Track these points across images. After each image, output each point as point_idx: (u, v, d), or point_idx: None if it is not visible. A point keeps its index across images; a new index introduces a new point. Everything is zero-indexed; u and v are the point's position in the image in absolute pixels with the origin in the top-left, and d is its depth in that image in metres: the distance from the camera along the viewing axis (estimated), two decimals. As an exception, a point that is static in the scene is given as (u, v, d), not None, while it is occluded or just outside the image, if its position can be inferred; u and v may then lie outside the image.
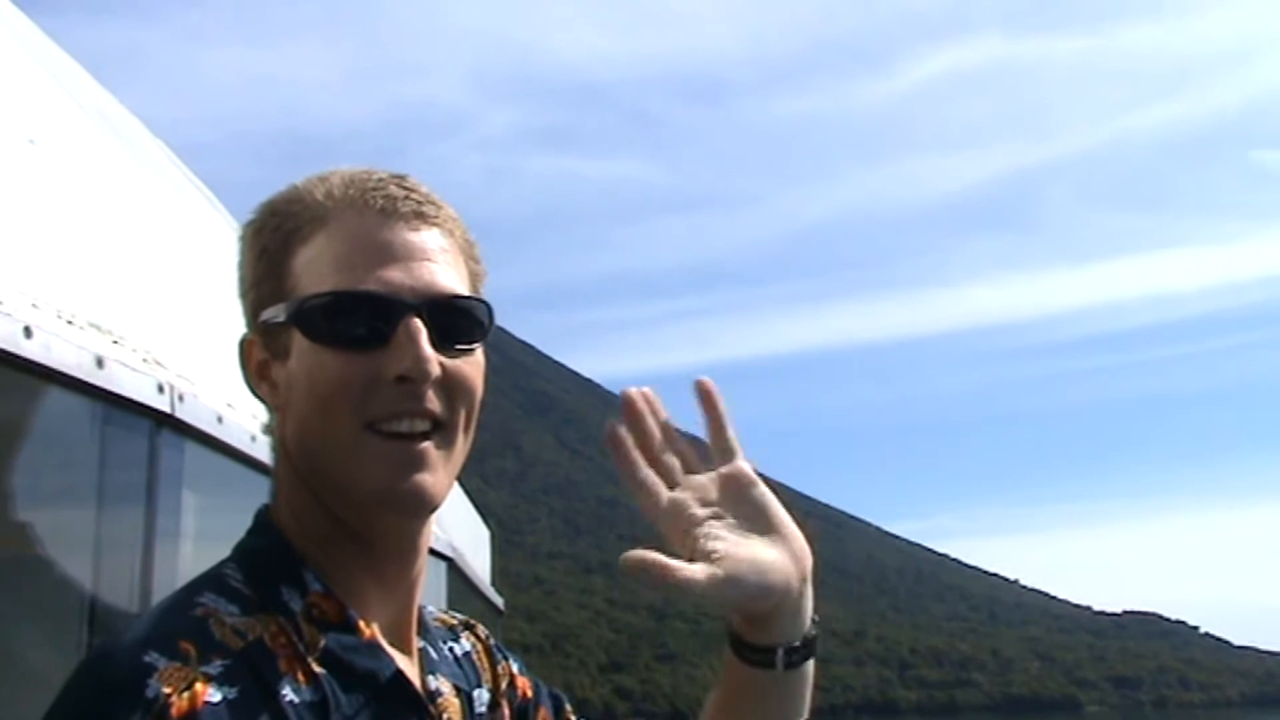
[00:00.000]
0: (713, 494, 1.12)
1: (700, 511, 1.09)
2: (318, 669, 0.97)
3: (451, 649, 1.22)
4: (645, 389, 1.12)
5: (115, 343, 1.99)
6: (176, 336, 2.29)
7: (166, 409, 2.11)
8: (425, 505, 1.03)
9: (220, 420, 2.31)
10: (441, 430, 1.03)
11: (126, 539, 2.08)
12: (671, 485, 1.12)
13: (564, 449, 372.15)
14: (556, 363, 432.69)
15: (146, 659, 0.90)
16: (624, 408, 1.13)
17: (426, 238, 1.03)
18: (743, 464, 1.13)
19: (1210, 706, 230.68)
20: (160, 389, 2.09)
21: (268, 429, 1.10)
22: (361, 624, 1.02)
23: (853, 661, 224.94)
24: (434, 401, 1.02)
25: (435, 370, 1.01)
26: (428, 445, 1.02)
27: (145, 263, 2.31)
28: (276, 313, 1.03)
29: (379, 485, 1.00)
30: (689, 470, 1.14)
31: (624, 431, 1.12)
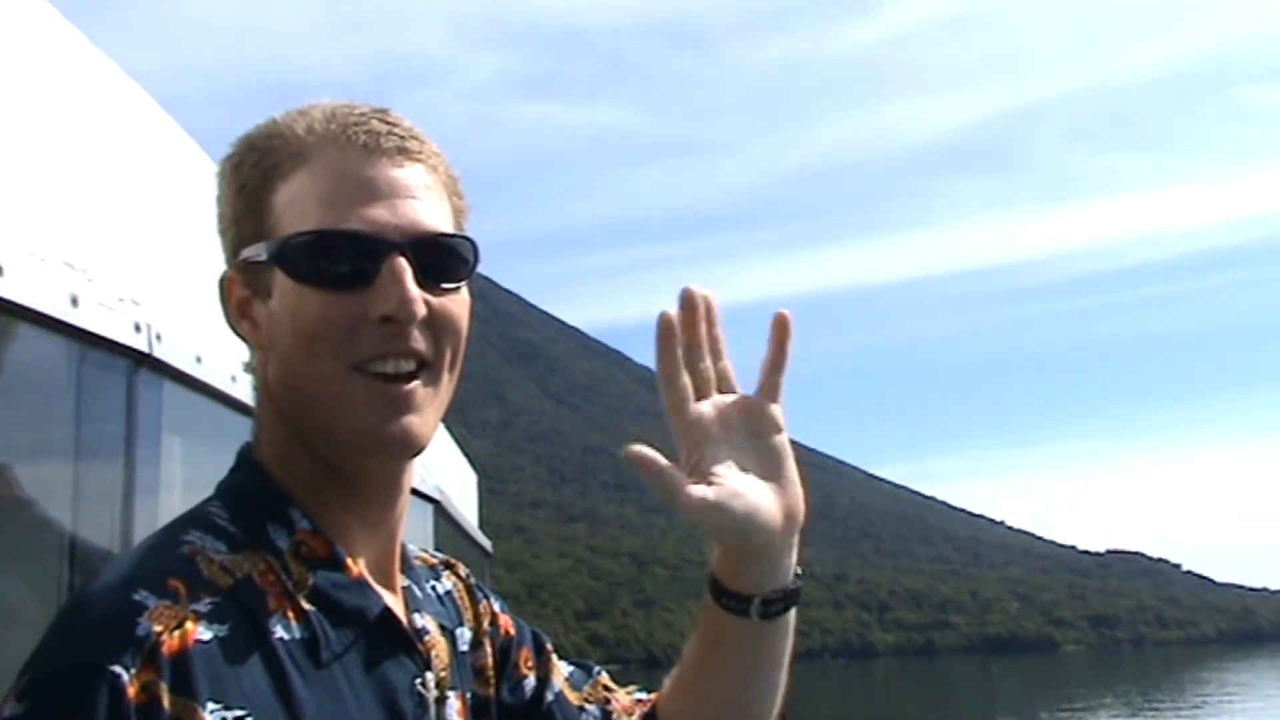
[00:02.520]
0: (736, 421, 1.12)
1: (717, 432, 1.10)
2: (307, 606, 0.97)
3: (434, 587, 1.21)
4: (708, 293, 1.12)
5: (90, 281, 1.95)
6: (153, 275, 2.25)
7: (144, 348, 2.06)
8: (411, 447, 1.02)
9: (199, 360, 2.27)
10: (428, 370, 1.02)
11: (105, 481, 2.05)
12: (701, 398, 1.12)
13: (548, 397, 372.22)
14: (541, 311, 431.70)
15: (136, 597, 0.89)
16: (682, 304, 1.12)
17: (410, 174, 1.02)
18: (776, 408, 1.13)
19: (1187, 644, 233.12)
20: (137, 328, 2.04)
21: (249, 367, 1.08)
22: (349, 561, 1.02)
23: (832, 605, 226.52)
24: (420, 341, 1.00)
25: (421, 310, 1.00)
26: (414, 386, 1.01)
27: (120, 201, 2.27)
28: (257, 251, 1.01)
29: (365, 427, 0.99)
30: (724, 391, 1.14)
31: (676, 325, 1.11)
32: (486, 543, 8.56)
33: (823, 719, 36.73)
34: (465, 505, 7.40)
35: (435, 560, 1.29)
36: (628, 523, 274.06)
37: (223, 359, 2.32)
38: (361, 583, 1.02)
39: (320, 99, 1.05)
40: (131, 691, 0.85)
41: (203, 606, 0.90)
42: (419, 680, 1.03)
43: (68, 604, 0.95)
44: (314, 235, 0.98)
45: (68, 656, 0.87)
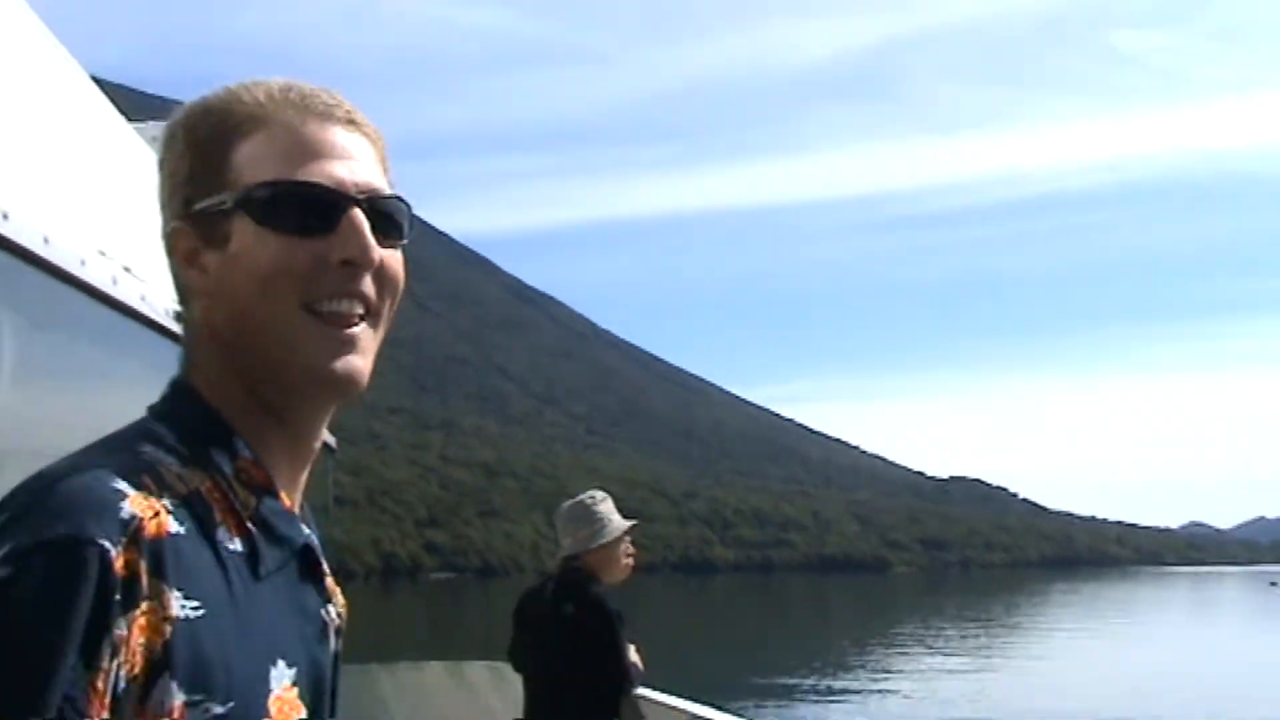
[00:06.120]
0: None
1: None
2: (249, 526, 1.02)
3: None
4: None
5: None
6: (3, 156, 2.31)
7: None
8: (356, 386, 1.07)
9: (47, 240, 2.27)
10: (370, 317, 1.08)
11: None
12: None
13: (413, 303, 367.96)
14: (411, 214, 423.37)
15: (115, 485, 0.93)
16: None
17: (359, 142, 1.10)
18: None
19: (1011, 567, 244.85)
20: None
21: (183, 316, 1.13)
22: (283, 494, 1.08)
23: (677, 521, 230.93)
24: (369, 288, 1.07)
25: (378, 257, 1.06)
26: (360, 329, 1.06)
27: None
28: (221, 200, 1.07)
29: (315, 364, 1.05)
30: None
31: None
32: (331, 439, 8.12)
33: (659, 631, 37.92)
34: None
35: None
36: (485, 434, 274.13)
37: (72, 241, 2.37)
38: (292, 514, 1.08)
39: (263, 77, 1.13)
40: (118, 565, 0.89)
41: (170, 504, 0.95)
42: (324, 611, 1.10)
43: (35, 483, 0.96)
44: (281, 184, 1.05)
45: (53, 528, 0.90)
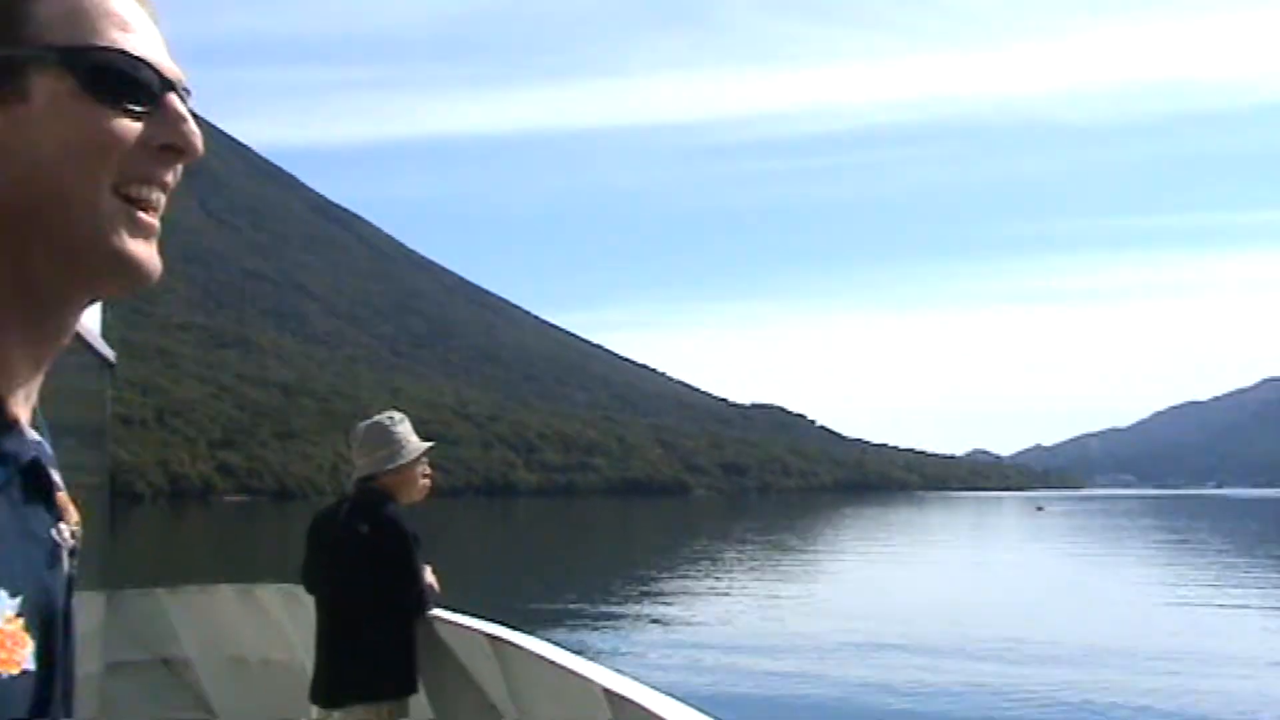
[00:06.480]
0: None
1: None
2: None
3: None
4: None
5: None
6: None
7: None
8: (154, 277, 0.99)
9: None
10: (159, 210, 1.00)
11: None
12: None
13: (208, 216, 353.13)
14: (208, 123, 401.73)
15: None
16: None
17: (156, 30, 1.02)
18: None
19: (805, 491, 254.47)
20: None
21: None
22: (9, 402, 0.96)
23: (481, 444, 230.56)
24: (169, 179, 1.00)
25: (201, 148, 1.00)
26: (156, 220, 0.99)
27: None
28: (34, 52, 0.94)
29: (121, 248, 0.96)
30: None
31: None
32: (109, 352, 7.25)
33: (459, 554, 37.65)
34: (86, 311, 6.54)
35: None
36: (284, 353, 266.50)
37: None
38: (17, 427, 0.98)
39: None
40: None
41: None
42: (54, 531, 1.01)
43: None
44: (128, 56, 0.97)
45: None
